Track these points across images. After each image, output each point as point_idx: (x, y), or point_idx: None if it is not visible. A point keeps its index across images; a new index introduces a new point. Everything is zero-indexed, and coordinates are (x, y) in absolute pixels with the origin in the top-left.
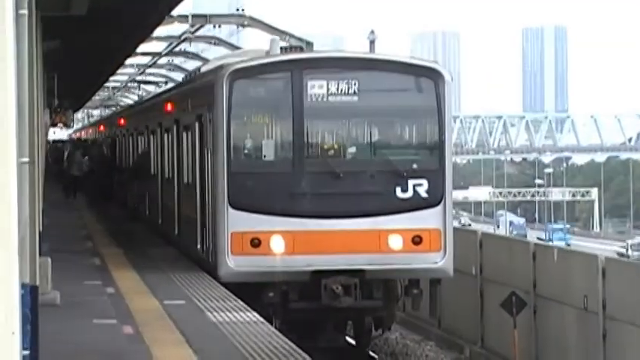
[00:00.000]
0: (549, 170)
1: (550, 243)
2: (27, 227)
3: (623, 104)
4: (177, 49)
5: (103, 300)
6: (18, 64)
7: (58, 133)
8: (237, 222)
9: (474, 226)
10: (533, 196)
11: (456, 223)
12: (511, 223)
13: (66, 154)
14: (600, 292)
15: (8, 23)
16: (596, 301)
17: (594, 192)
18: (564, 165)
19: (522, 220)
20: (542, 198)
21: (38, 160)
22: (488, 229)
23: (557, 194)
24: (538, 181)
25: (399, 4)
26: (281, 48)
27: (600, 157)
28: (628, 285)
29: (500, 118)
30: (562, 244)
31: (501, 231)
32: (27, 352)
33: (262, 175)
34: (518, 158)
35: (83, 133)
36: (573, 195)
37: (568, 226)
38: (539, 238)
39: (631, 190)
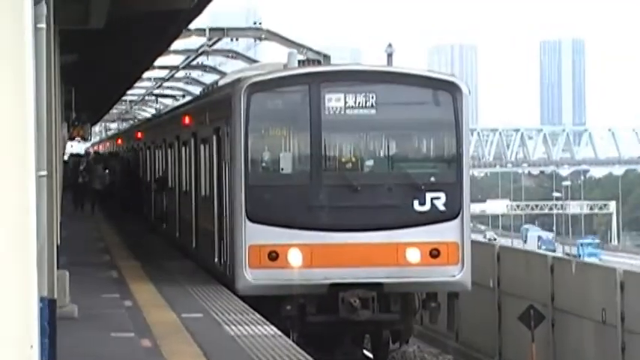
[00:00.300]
0: (567, 183)
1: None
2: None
3: None
4: (194, 62)
5: (120, 313)
6: (37, 78)
7: (75, 147)
8: (254, 235)
9: (501, 241)
10: (550, 209)
11: (480, 238)
12: (539, 238)
13: (81, 167)
14: (619, 305)
15: (27, 37)
16: (615, 314)
17: (612, 205)
18: (582, 178)
19: (551, 235)
20: (560, 211)
21: (56, 173)
22: (516, 244)
23: (575, 207)
24: (556, 194)
25: (416, 17)
26: (299, 61)
27: (618, 170)
28: None
29: (517, 131)
30: (593, 260)
31: (530, 246)
32: None
33: (280, 188)
34: (535, 171)
35: (101, 146)
36: (591, 208)
37: (598, 240)
38: (567, 254)
39: None
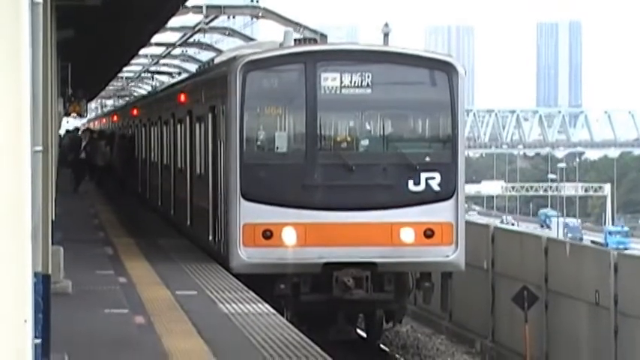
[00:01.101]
0: (562, 165)
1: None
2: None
3: (637, 100)
4: (191, 39)
5: (114, 289)
6: (33, 54)
7: (71, 122)
8: (249, 213)
9: (520, 226)
10: (545, 190)
11: (497, 223)
12: (566, 225)
13: (83, 143)
14: (612, 287)
15: (24, 12)
16: (608, 296)
17: (607, 187)
18: (577, 160)
19: (578, 222)
20: (555, 193)
21: (52, 148)
22: (532, 229)
23: (569, 189)
24: (551, 176)
25: None
26: (295, 40)
27: (613, 153)
28: None
29: (513, 112)
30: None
31: (554, 234)
32: (38, 341)
33: (275, 166)
34: (531, 153)
35: (97, 122)
36: (586, 190)
37: (627, 228)
38: (594, 242)
39: None
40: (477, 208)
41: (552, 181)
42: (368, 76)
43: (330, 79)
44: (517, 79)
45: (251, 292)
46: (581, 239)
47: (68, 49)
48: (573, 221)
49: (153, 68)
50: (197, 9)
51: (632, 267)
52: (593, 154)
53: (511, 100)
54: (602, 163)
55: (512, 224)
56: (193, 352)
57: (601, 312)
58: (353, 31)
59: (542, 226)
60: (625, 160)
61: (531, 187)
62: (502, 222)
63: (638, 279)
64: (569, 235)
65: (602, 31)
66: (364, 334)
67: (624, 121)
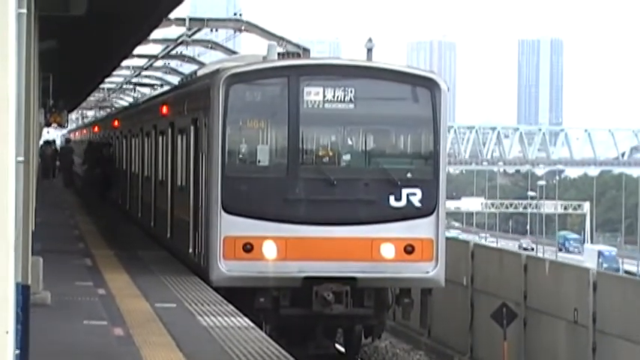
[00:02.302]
0: (542, 183)
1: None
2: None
3: (617, 119)
4: (173, 52)
5: (93, 301)
6: (16, 64)
7: (51, 133)
8: (229, 226)
9: (533, 250)
10: (525, 208)
11: (515, 247)
12: (600, 254)
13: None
14: (591, 305)
15: (11, 22)
16: (587, 314)
17: (586, 206)
18: (557, 178)
19: (614, 251)
20: (535, 210)
21: (33, 159)
22: (549, 252)
23: (549, 207)
24: (530, 194)
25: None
26: (278, 54)
27: (593, 171)
28: (618, 299)
29: (494, 129)
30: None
31: (587, 263)
32: (17, 352)
33: (256, 180)
34: (511, 170)
35: (77, 133)
36: (565, 208)
37: None
38: (628, 273)
39: (623, 205)
40: (457, 224)
41: (532, 198)
42: (351, 91)
43: (312, 94)
44: (498, 95)
45: (230, 305)
46: (617, 270)
47: (50, 60)
48: (609, 249)
49: (135, 80)
50: (180, 21)
51: (610, 286)
52: (573, 172)
53: (492, 116)
54: (581, 181)
55: (532, 249)
56: None
57: (579, 330)
58: (335, 45)
59: (560, 250)
60: (604, 178)
61: (511, 205)
62: (520, 247)
63: (617, 298)
64: (605, 265)
65: (584, 49)
66: (343, 349)
67: (604, 139)
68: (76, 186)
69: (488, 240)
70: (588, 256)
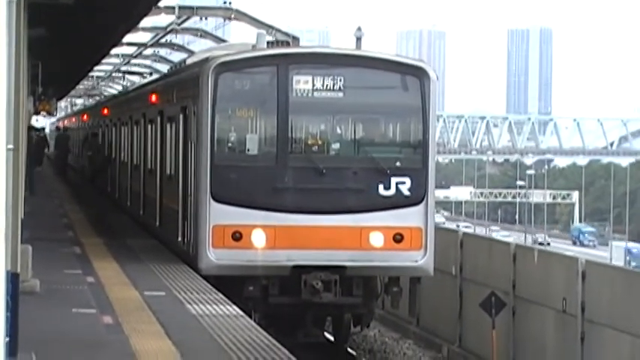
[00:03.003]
0: (531, 172)
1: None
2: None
3: (606, 108)
4: (163, 40)
5: (82, 289)
6: (6, 51)
7: (40, 121)
8: (219, 215)
9: (555, 246)
10: (514, 197)
11: (521, 239)
12: (629, 251)
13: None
14: (579, 294)
15: (0, 10)
16: (575, 303)
17: (575, 195)
18: (546, 167)
19: None
20: (523, 200)
21: (22, 147)
22: (563, 247)
23: (538, 196)
24: (519, 183)
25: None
26: (267, 42)
27: (582, 161)
28: (607, 288)
29: (483, 118)
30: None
31: (614, 261)
32: (7, 339)
33: (245, 168)
34: (500, 159)
35: (67, 121)
36: (554, 197)
37: None
38: None
39: (612, 194)
40: (446, 213)
41: (521, 187)
42: (340, 80)
43: (302, 82)
44: (487, 84)
45: (219, 293)
46: None
47: (39, 48)
48: (637, 246)
49: (124, 68)
50: (169, 9)
51: (599, 275)
52: (561, 162)
53: (481, 105)
54: (570, 171)
55: (548, 244)
56: (161, 353)
57: (568, 319)
58: (325, 34)
59: (574, 243)
60: (593, 168)
61: (500, 194)
62: (534, 241)
63: (606, 287)
64: (633, 264)
65: (573, 38)
66: (332, 338)
67: (593, 129)
68: (68, 176)
69: (500, 234)
70: (615, 252)
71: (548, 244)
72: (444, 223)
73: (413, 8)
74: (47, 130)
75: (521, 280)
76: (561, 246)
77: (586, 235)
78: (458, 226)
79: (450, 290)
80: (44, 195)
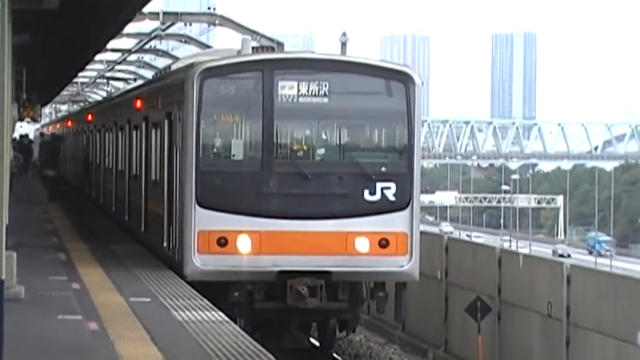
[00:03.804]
0: (516, 177)
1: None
2: None
3: (590, 113)
4: (147, 46)
5: (67, 295)
6: None
7: (24, 127)
8: (204, 220)
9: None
10: (499, 202)
11: (547, 252)
12: None
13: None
14: (564, 299)
15: None
16: (561, 307)
17: (560, 199)
18: (530, 172)
19: None
20: (508, 204)
21: (7, 154)
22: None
23: (523, 201)
24: (504, 187)
25: (370, 6)
26: (252, 48)
27: (566, 165)
28: (592, 292)
29: (467, 123)
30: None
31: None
32: None
33: (230, 174)
34: (485, 164)
35: (51, 127)
36: (539, 202)
37: None
38: None
39: (596, 199)
40: (430, 218)
41: (506, 192)
42: (325, 85)
43: (287, 88)
44: (472, 89)
45: (205, 299)
46: None
47: (23, 54)
48: None
49: (108, 74)
50: (154, 15)
51: (584, 279)
52: (546, 166)
53: (466, 110)
54: (555, 175)
55: (569, 255)
56: (146, 359)
57: (553, 323)
58: (309, 39)
59: (590, 253)
60: (578, 172)
61: (485, 198)
62: (555, 253)
63: (591, 291)
64: None
65: (557, 43)
66: (317, 343)
67: (577, 133)
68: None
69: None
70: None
71: (569, 255)
72: (451, 233)
73: (397, 13)
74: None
75: (507, 285)
76: (583, 258)
77: (602, 244)
78: (440, 230)
79: (436, 295)
80: (28, 201)
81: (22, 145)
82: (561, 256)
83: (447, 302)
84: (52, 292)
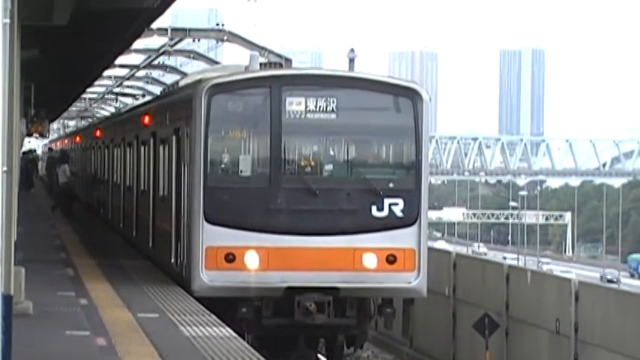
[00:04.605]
0: (524, 193)
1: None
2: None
3: (598, 129)
4: (155, 62)
5: (76, 311)
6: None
7: (33, 143)
8: (211, 236)
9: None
10: (506, 218)
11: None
12: None
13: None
14: (573, 315)
15: None
16: (569, 324)
17: (567, 216)
18: (538, 188)
19: None
20: (516, 221)
21: (15, 169)
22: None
23: (530, 217)
24: (512, 204)
25: (378, 23)
26: (260, 64)
27: (574, 182)
28: (600, 309)
29: (475, 139)
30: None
31: None
32: None
33: (238, 190)
34: (492, 180)
35: (59, 143)
36: (547, 218)
37: None
38: None
39: (604, 215)
40: (438, 234)
41: (514, 208)
42: (333, 102)
43: (295, 104)
44: (480, 105)
45: (213, 315)
46: None
47: (32, 69)
48: None
49: (117, 90)
50: (162, 31)
51: (592, 295)
52: (554, 183)
53: (474, 127)
54: (563, 192)
55: (616, 280)
56: None
57: (561, 340)
58: (317, 55)
59: (632, 276)
60: (586, 188)
61: (492, 215)
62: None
63: (599, 307)
64: None
65: (565, 59)
66: (325, 359)
67: (585, 149)
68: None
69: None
70: None
71: (618, 280)
72: (485, 254)
73: (405, 29)
74: (39, 152)
75: (515, 301)
76: (631, 282)
77: None
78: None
79: (444, 311)
80: (36, 216)
81: (27, 159)
82: (610, 281)
83: (455, 318)
84: (60, 307)
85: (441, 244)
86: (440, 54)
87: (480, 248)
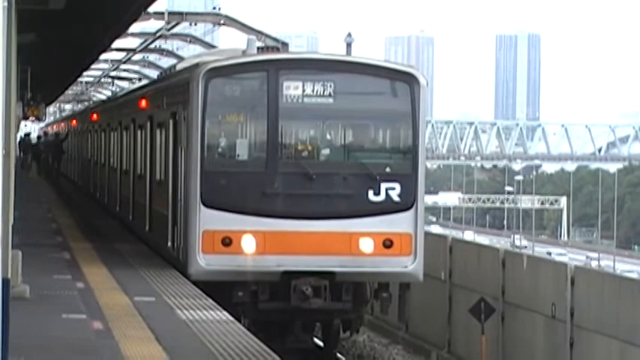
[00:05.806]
0: (519, 178)
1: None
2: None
3: (594, 114)
4: (152, 45)
5: (72, 295)
6: None
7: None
8: (208, 220)
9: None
10: (502, 203)
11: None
12: None
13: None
14: (569, 300)
15: None
16: (565, 309)
17: (563, 201)
18: (534, 173)
19: None
20: (512, 205)
21: (12, 152)
22: None
23: (526, 202)
24: (508, 189)
25: (374, 7)
26: (257, 48)
27: (570, 166)
28: (596, 294)
29: (471, 124)
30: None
31: None
32: None
33: (235, 174)
34: (488, 165)
35: (55, 127)
36: (542, 203)
37: None
38: None
39: (599, 200)
40: (434, 219)
41: (509, 193)
42: (330, 86)
43: (292, 88)
44: (476, 90)
45: (209, 299)
46: None
47: (28, 53)
48: None
49: (113, 73)
50: (159, 15)
51: (588, 280)
52: (549, 167)
53: (469, 111)
54: (558, 177)
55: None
56: (151, 359)
57: (557, 325)
58: (314, 39)
59: None
60: (581, 173)
61: (488, 199)
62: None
63: (595, 292)
64: None
65: (561, 44)
66: (321, 343)
67: (581, 134)
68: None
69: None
70: None
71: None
72: (525, 248)
73: (401, 14)
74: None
75: (511, 286)
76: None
77: None
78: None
79: (440, 296)
80: (32, 200)
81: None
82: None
83: (451, 303)
84: (56, 291)
85: (435, 229)
86: (436, 38)
87: (521, 241)
